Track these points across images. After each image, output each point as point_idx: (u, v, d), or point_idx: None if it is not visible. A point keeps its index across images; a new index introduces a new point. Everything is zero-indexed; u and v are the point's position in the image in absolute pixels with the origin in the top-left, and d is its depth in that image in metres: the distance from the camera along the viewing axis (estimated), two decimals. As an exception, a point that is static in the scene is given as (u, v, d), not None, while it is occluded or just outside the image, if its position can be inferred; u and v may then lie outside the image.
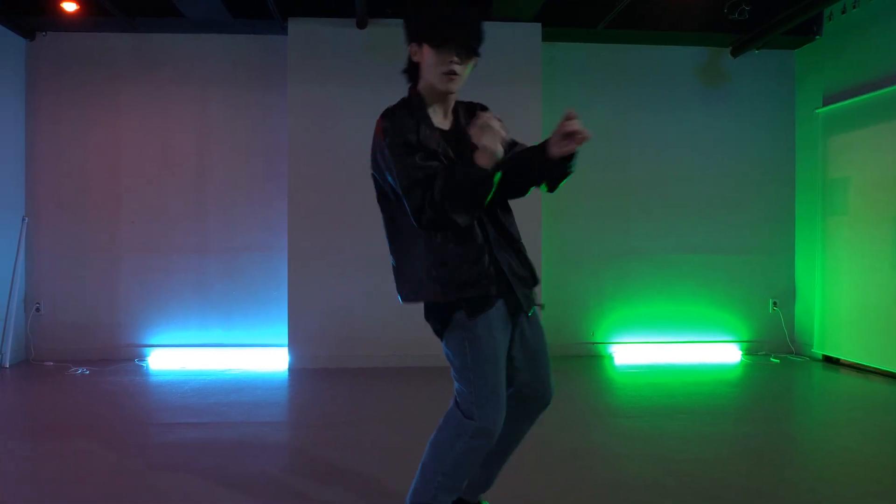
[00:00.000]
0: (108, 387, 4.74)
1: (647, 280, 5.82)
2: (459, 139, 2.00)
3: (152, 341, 5.63)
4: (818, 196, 5.65)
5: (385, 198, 2.07)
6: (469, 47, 1.95)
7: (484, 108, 2.13)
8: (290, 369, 5.33)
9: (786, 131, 5.98)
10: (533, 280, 2.11)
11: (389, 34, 5.43)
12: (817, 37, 5.60)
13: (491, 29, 5.19)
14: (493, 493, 2.34)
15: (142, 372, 5.23)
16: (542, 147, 1.95)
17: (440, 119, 2.05)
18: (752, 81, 5.93)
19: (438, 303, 2.00)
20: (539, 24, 5.44)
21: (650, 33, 5.64)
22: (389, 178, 1.97)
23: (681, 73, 5.90)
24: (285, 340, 5.44)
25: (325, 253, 5.41)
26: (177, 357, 5.54)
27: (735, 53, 5.80)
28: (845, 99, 5.32)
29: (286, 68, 5.45)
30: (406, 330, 5.41)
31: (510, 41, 5.41)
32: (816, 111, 5.62)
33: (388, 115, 1.99)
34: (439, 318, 2.03)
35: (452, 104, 2.08)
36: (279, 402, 4.47)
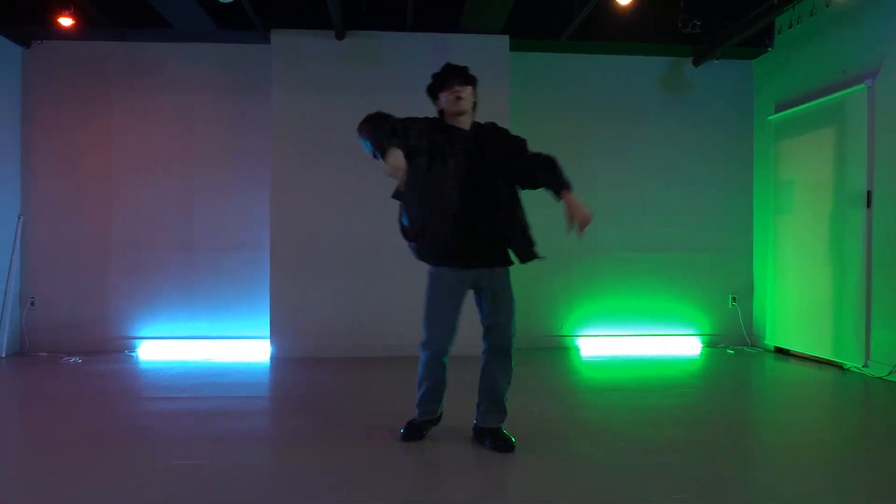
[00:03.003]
0: (99, 372, 6.23)
1: (614, 277, 7.59)
2: (476, 141, 3.78)
3: (141, 334, 7.29)
4: (770, 197, 7.33)
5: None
6: (463, 78, 3.76)
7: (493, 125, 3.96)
8: (272, 359, 6.95)
9: (744, 137, 7.76)
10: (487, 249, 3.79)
11: (366, 45, 7.09)
12: (769, 49, 7.28)
13: (461, 41, 6.90)
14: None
15: (131, 361, 6.83)
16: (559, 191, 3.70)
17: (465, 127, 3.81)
18: (713, 90, 7.70)
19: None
20: (507, 36, 7.10)
21: (613, 44, 7.31)
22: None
23: (644, 82, 7.65)
24: (268, 332, 7.07)
25: (306, 249, 7.04)
26: (164, 348, 7.20)
27: (696, 63, 7.51)
28: (793, 106, 7.00)
29: (270, 76, 7.09)
30: (384, 321, 7.07)
31: (479, 53, 7.05)
32: (769, 118, 7.31)
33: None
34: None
35: (470, 122, 3.83)
36: (258, 384, 5.89)
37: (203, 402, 5.15)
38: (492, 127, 3.92)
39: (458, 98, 3.73)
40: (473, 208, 3.71)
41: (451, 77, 3.76)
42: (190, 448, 3.92)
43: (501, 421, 3.92)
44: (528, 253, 3.82)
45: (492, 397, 3.90)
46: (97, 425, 4.43)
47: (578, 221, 3.60)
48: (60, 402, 5.20)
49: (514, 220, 3.82)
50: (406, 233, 3.78)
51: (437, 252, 3.73)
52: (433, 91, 3.84)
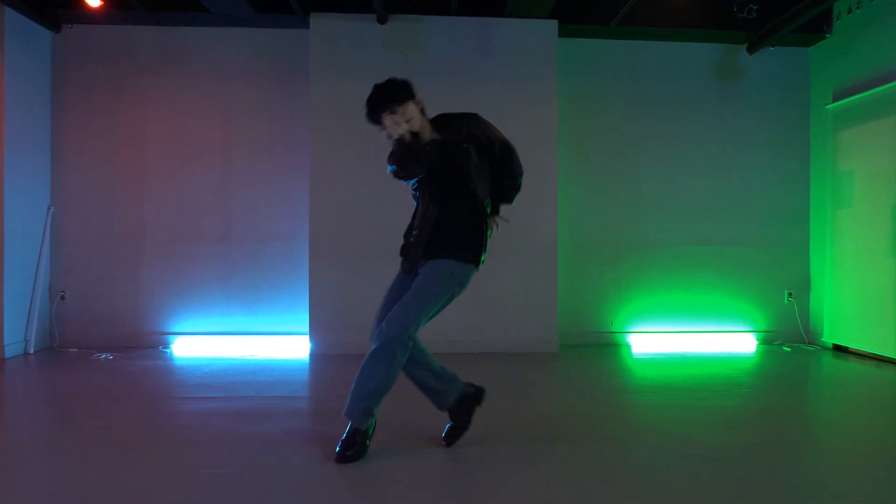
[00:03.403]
0: (131, 369, 6.11)
1: (665, 271, 7.54)
2: (440, 149, 3.71)
3: (176, 329, 7.22)
4: (828, 190, 7.27)
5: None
6: (398, 98, 3.56)
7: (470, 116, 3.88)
8: (311, 355, 6.88)
9: (801, 127, 7.69)
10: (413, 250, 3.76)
11: (408, 29, 7.03)
12: (827, 35, 7.21)
13: (507, 26, 6.85)
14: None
15: (165, 357, 6.74)
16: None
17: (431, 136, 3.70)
18: (769, 78, 7.63)
19: None
20: (555, 21, 7.04)
21: (664, 30, 7.25)
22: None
23: (697, 69, 7.58)
24: (307, 328, 7.01)
25: (346, 241, 6.98)
26: (200, 344, 7.13)
27: (751, 50, 7.45)
28: (852, 95, 6.93)
29: (308, 62, 7.03)
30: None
31: (526, 38, 7.01)
32: (826, 107, 7.24)
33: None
34: None
35: (429, 130, 3.68)
36: (295, 381, 5.74)
37: (237, 401, 4.99)
38: (456, 126, 3.77)
39: (407, 121, 3.60)
40: (439, 214, 3.72)
41: (388, 101, 3.57)
42: (218, 452, 3.79)
43: (350, 417, 3.67)
44: (457, 251, 3.70)
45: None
46: (125, 426, 4.30)
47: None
48: (89, 400, 5.05)
49: (466, 217, 3.72)
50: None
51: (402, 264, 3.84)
52: (375, 119, 3.63)
